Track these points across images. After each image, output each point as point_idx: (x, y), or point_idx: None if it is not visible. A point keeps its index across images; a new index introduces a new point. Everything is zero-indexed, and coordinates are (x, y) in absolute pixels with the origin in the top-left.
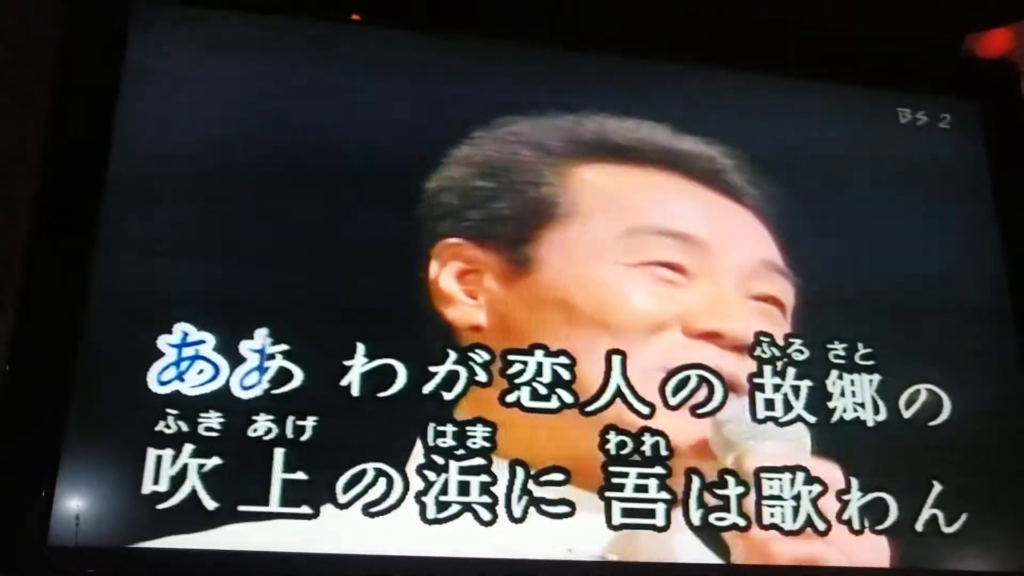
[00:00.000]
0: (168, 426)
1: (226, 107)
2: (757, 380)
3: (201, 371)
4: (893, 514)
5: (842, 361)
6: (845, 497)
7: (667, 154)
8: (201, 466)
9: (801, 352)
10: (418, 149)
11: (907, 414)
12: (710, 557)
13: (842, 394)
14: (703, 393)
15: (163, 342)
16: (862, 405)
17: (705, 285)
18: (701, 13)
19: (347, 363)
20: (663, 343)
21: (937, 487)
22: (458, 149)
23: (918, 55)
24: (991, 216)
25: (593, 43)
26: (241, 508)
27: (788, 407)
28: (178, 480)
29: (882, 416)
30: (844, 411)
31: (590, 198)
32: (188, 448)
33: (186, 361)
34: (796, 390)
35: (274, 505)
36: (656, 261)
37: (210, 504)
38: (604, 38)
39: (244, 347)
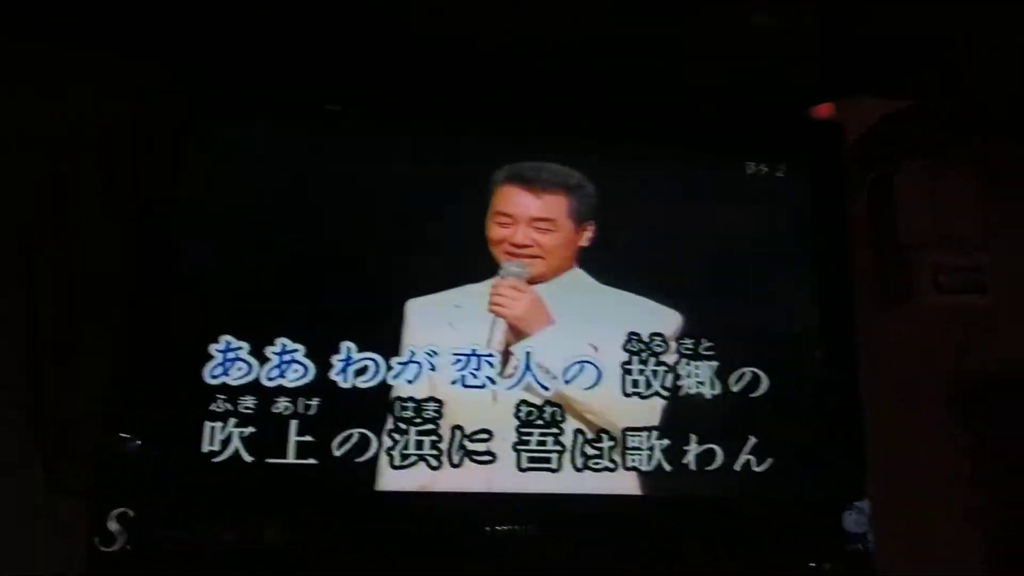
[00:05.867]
0: (218, 406)
1: (269, 179)
2: (627, 367)
3: (240, 368)
4: (719, 460)
5: (690, 352)
6: (685, 448)
7: (557, 179)
8: (241, 433)
9: (660, 346)
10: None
11: (735, 388)
12: (589, 489)
13: (688, 376)
14: (590, 375)
15: (213, 348)
16: (703, 383)
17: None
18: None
19: (340, 361)
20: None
21: (752, 440)
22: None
23: (763, 116)
24: (811, 244)
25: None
26: (268, 461)
27: (648, 385)
28: (225, 442)
29: (717, 390)
30: (689, 388)
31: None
32: (232, 421)
33: (229, 362)
34: (655, 373)
35: (290, 458)
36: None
37: (248, 458)
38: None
39: (268, 351)
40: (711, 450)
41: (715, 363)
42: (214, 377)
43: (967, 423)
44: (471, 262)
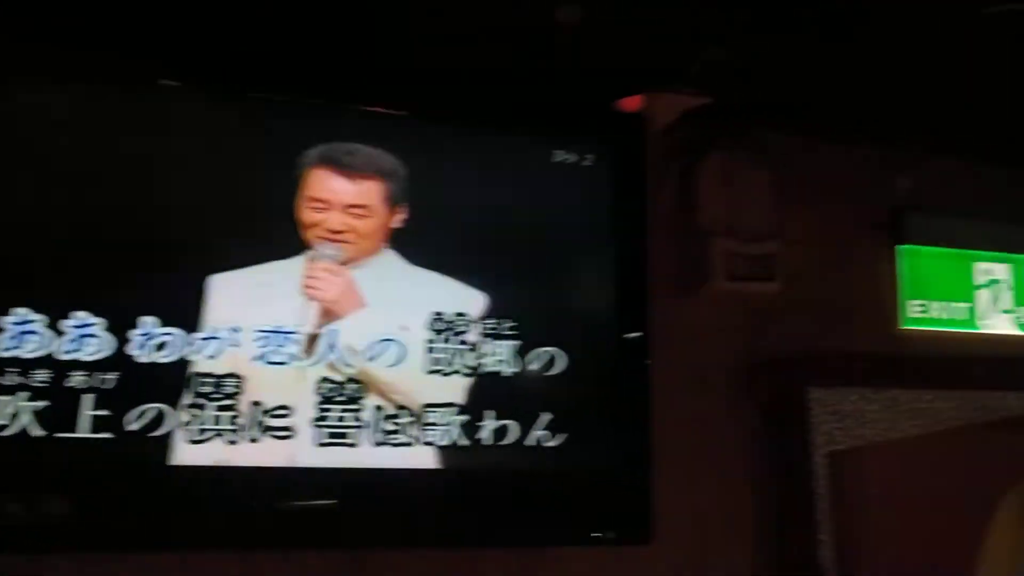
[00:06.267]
0: (7, 380)
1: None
2: (430, 345)
3: (34, 341)
4: (513, 435)
5: (492, 331)
6: (480, 424)
7: (372, 164)
8: (32, 407)
9: (464, 326)
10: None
11: (532, 367)
12: (387, 464)
13: (490, 354)
14: (394, 354)
15: (6, 321)
16: (503, 361)
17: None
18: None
19: (140, 335)
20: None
21: (546, 416)
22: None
23: (571, 106)
24: (612, 230)
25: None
26: (57, 435)
27: (450, 363)
28: (14, 416)
29: (515, 368)
30: (490, 365)
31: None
32: (23, 395)
33: (23, 334)
34: (458, 351)
35: (82, 432)
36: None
37: (36, 432)
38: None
39: (65, 324)
40: (505, 426)
41: (516, 342)
42: (6, 350)
43: (753, 402)
44: (278, 240)
